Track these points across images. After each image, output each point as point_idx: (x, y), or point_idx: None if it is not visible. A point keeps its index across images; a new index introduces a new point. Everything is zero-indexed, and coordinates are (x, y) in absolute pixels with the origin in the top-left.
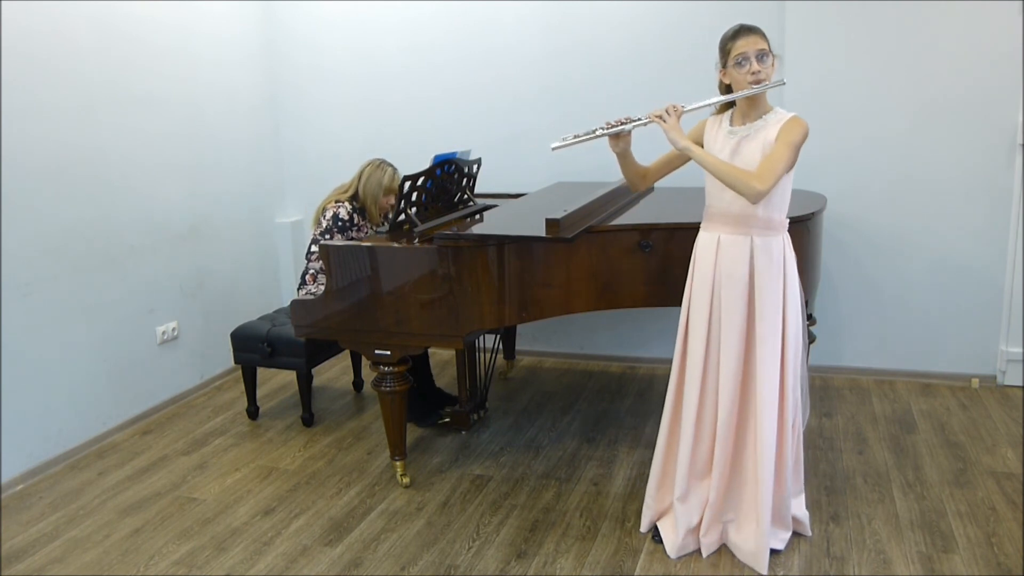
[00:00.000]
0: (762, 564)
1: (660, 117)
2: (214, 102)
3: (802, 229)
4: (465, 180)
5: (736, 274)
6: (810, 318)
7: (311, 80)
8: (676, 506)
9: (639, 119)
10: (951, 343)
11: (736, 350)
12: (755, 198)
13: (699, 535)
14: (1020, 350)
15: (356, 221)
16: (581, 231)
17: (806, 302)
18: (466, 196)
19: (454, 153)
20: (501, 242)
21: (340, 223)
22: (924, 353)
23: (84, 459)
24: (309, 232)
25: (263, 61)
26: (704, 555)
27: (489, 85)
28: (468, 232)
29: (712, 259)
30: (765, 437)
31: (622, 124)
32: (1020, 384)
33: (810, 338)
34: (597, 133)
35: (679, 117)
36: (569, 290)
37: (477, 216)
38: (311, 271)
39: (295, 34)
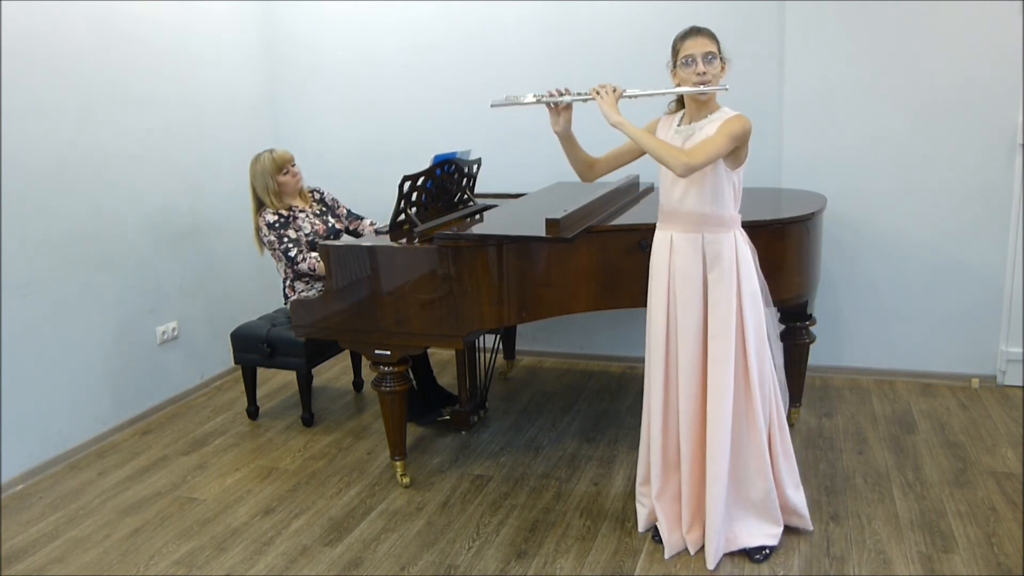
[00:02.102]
0: (711, 559)
1: (597, 92)
2: (214, 102)
3: (802, 229)
4: (465, 180)
5: (689, 272)
6: (810, 318)
7: (311, 80)
8: (655, 504)
9: (579, 93)
10: (951, 343)
11: (694, 348)
12: (682, 170)
13: (682, 531)
14: (1020, 350)
15: (286, 215)
16: (581, 231)
17: (805, 302)
18: (466, 196)
19: (454, 153)
20: (501, 242)
21: (277, 224)
22: (924, 353)
23: (84, 459)
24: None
25: (263, 61)
26: (691, 552)
27: (489, 85)
28: (468, 232)
29: (666, 258)
30: (718, 434)
31: (561, 95)
32: (1020, 384)
33: (810, 338)
34: (542, 99)
35: (617, 98)
36: (569, 290)
37: (477, 216)
38: (287, 281)
39: (295, 34)
